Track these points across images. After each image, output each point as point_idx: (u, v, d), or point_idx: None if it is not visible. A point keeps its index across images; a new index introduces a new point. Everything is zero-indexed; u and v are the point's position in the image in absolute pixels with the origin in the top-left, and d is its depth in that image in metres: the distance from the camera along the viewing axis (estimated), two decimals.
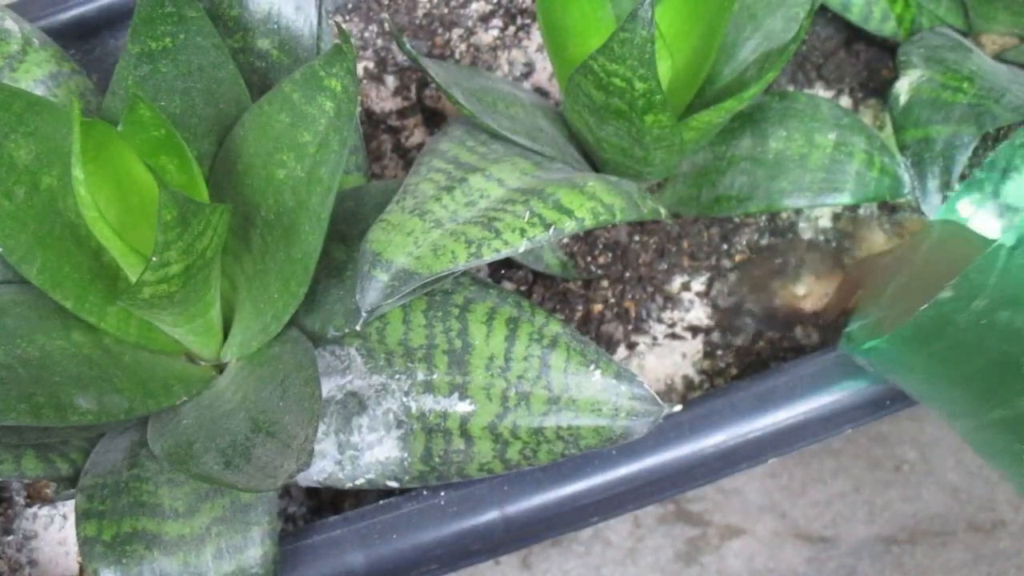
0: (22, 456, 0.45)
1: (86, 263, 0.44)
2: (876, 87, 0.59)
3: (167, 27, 0.45)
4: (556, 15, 0.48)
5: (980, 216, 0.47)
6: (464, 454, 0.44)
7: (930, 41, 0.55)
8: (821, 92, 0.59)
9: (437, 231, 0.41)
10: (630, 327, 0.54)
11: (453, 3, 0.62)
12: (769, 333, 0.54)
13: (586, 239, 0.56)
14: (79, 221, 0.43)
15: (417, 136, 0.60)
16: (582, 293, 0.55)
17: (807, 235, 0.56)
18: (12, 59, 0.49)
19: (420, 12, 0.62)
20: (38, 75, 0.49)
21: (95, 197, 0.38)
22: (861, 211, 0.56)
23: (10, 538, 0.52)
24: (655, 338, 0.54)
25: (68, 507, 0.52)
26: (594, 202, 0.42)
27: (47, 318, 0.44)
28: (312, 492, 0.53)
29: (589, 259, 0.56)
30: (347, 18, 0.62)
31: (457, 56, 0.61)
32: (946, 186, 0.51)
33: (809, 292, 0.55)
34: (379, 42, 0.61)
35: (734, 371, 0.54)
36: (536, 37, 0.61)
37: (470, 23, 0.62)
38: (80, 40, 0.59)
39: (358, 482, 0.45)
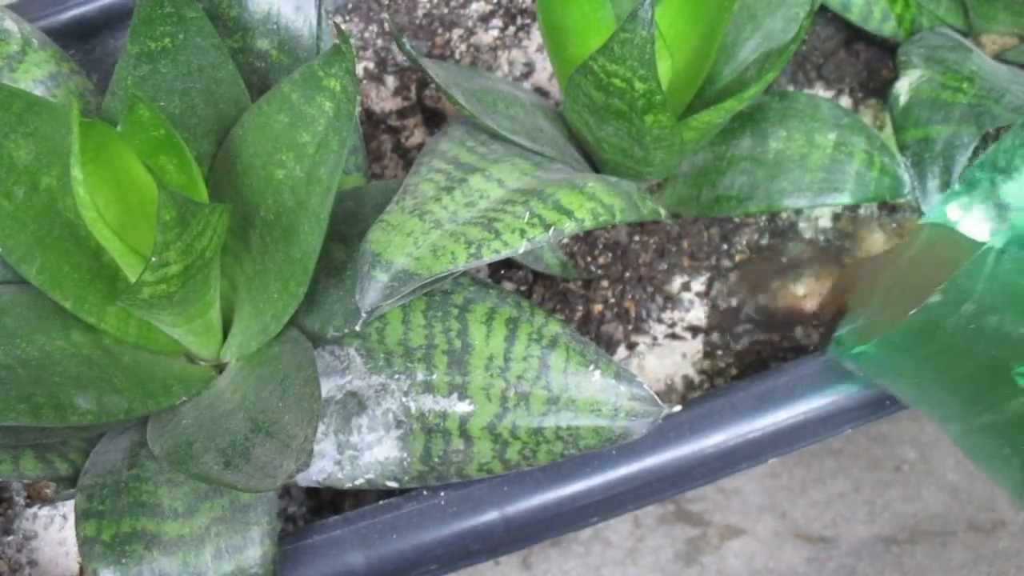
0: (20, 457, 0.45)
1: (85, 263, 0.44)
2: (876, 87, 0.59)
3: (166, 27, 0.45)
4: (556, 15, 0.48)
5: (969, 220, 0.47)
6: (463, 454, 0.44)
7: (930, 41, 0.55)
8: (821, 92, 0.59)
9: (437, 232, 0.41)
10: (630, 327, 0.54)
11: (453, 3, 0.62)
12: (769, 333, 0.54)
13: (586, 239, 0.56)
14: (78, 221, 0.43)
15: (417, 136, 0.60)
16: (582, 293, 0.55)
17: (807, 235, 0.56)
18: (11, 59, 0.49)
19: (420, 12, 0.62)
20: (37, 75, 0.49)
21: (94, 197, 0.38)
22: (861, 211, 0.56)
23: (10, 538, 0.52)
24: (655, 338, 0.54)
25: (68, 507, 0.52)
26: (594, 203, 0.42)
27: (47, 318, 0.44)
28: (312, 492, 0.53)
29: (589, 259, 0.55)
30: (347, 18, 0.62)
31: (457, 56, 0.61)
32: (946, 186, 0.51)
33: (809, 292, 0.55)
34: (379, 42, 0.61)
35: (734, 371, 0.54)
36: (536, 37, 0.61)
37: (470, 23, 0.62)
38: (80, 40, 0.59)
39: (358, 482, 0.45)
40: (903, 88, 0.54)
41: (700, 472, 0.48)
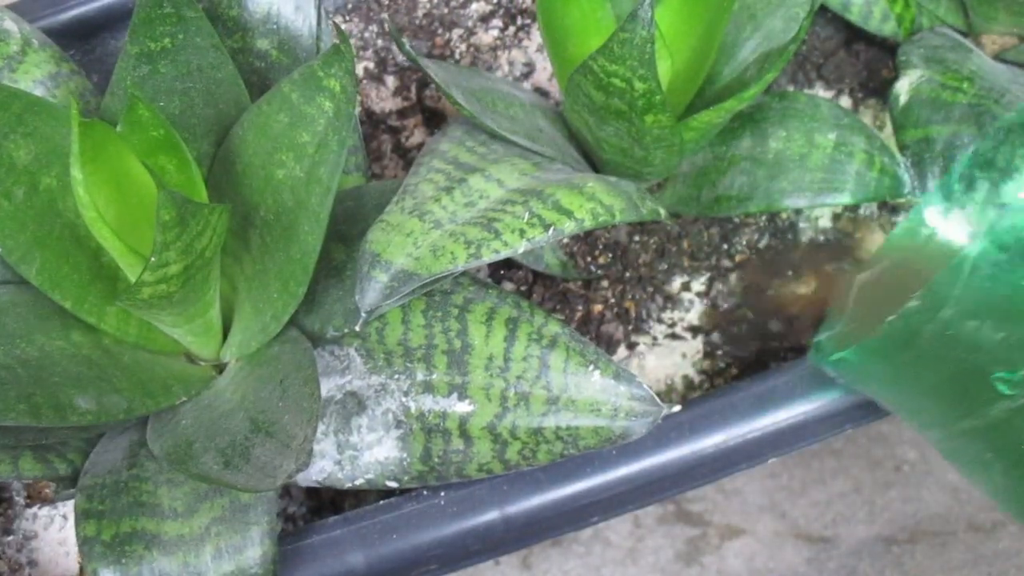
0: (19, 457, 0.45)
1: (85, 263, 0.44)
2: (876, 87, 0.59)
3: (166, 28, 0.45)
4: (556, 15, 0.48)
5: (947, 225, 0.47)
6: (463, 454, 0.44)
7: (930, 41, 0.55)
8: (821, 92, 0.59)
9: (436, 232, 0.41)
10: (630, 327, 0.54)
11: (453, 3, 0.62)
12: (769, 333, 0.54)
13: (586, 239, 0.56)
14: (78, 221, 0.43)
15: (417, 136, 0.60)
16: (582, 293, 0.55)
17: (807, 235, 0.56)
18: (11, 60, 0.49)
19: (420, 12, 0.62)
20: (37, 76, 0.49)
21: (94, 197, 0.38)
22: (861, 211, 0.56)
23: (10, 538, 0.52)
24: (655, 338, 0.54)
25: (68, 507, 0.52)
26: (593, 203, 0.42)
27: (46, 318, 0.44)
28: (312, 492, 0.53)
29: (589, 259, 0.55)
30: (347, 18, 0.62)
31: (457, 56, 0.61)
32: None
33: (809, 292, 0.55)
34: (379, 42, 0.61)
35: (734, 371, 0.54)
36: (536, 37, 0.61)
37: (470, 23, 0.62)
38: (80, 40, 0.59)
39: (357, 482, 0.45)
40: (903, 88, 0.54)
41: (700, 472, 0.48)
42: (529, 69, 0.60)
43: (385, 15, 0.61)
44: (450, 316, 0.45)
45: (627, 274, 0.55)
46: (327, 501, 0.53)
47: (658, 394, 0.51)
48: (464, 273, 0.45)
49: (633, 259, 0.55)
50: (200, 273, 0.41)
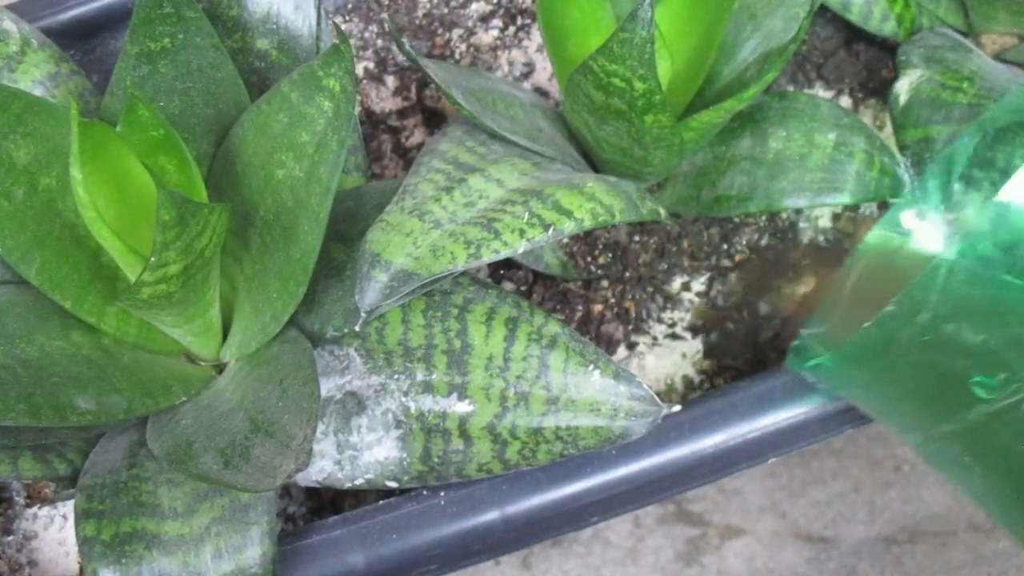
0: (19, 457, 0.45)
1: (85, 263, 0.44)
2: (876, 87, 0.59)
3: (166, 28, 0.45)
4: (556, 15, 0.48)
5: (923, 229, 0.47)
6: (463, 454, 0.44)
7: (930, 41, 0.55)
8: (821, 92, 0.59)
9: (436, 232, 0.41)
10: (630, 327, 0.54)
11: (453, 3, 0.62)
12: (769, 333, 0.54)
13: (586, 239, 0.56)
14: (78, 221, 0.43)
15: (417, 136, 0.60)
16: (582, 293, 0.55)
17: (807, 235, 0.56)
18: (11, 60, 0.49)
19: (420, 12, 0.62)
20: (37, 76, 0.49)
21: (94, 197, 0.38)
22: (861, 211, 0.56)
23: (10, 538, 0.52)
24: (655, 338, 0.54)
25: (68, 507, 0.52)
26: (593, 203, 0.42)
27: (46, 318, 0.44)
28: (312, 492, 0.53)
29: (589, 259, 0.55)
30: (347, 18, 0.62)
31: (457, 56, 0.61)
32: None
33: (809, 292, 0.55)
34: (379, 42, 0.61)
35: (734, 371, 0.54)
36: (536, 37, 0.61)
37: (470, 23, 0.62)
38: (80, 40, 0.59)
39: (357, 482, 0.45)
40: (903, 88, 0.54)
41: (700, 472, 0.48)
42: (529, 69, 0.60)
43: (385, 15, 0.61)
44: (450, 316, 0.45)
45: (627, 274, 0.55)
46: (327, 501, 0.53)
47: (658, 394, 0.51)
48: (464, 273, 0.45)
49: (633, 259, 0.55)
50: (200, 273, 0.41)
